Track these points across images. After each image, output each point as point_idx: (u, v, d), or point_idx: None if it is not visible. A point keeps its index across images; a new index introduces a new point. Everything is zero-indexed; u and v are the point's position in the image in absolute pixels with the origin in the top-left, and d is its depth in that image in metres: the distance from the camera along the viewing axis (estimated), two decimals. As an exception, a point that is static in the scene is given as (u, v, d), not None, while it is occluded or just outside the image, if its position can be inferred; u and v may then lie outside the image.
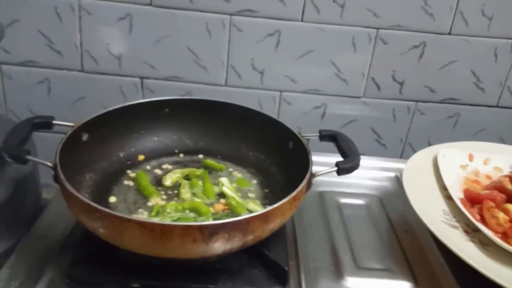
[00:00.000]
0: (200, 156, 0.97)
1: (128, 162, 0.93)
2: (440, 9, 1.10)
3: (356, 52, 1.14)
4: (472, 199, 0.90)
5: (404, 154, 1.26)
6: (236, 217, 0.67)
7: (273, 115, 0.95)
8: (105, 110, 0.89)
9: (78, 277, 0.72)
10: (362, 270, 0.81)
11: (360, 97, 1.19)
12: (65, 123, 0.83)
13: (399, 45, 1.14)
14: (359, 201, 1.00)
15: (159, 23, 1.10)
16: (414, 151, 1.03)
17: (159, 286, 0.73)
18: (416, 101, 1.20)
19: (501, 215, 0.83)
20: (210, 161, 0.95)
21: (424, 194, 0.91)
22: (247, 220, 0.68)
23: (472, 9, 1.10)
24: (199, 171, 0.91)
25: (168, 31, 1.11)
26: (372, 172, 1.08)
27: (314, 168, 0.80)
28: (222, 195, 0.86)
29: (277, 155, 0.94)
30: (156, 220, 0.76)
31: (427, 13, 1.10)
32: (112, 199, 0.84)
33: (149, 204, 0.83)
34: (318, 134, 0.90)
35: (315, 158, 0.82)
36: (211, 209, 0.81)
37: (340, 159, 0.83)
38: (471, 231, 0.84)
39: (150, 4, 1.08)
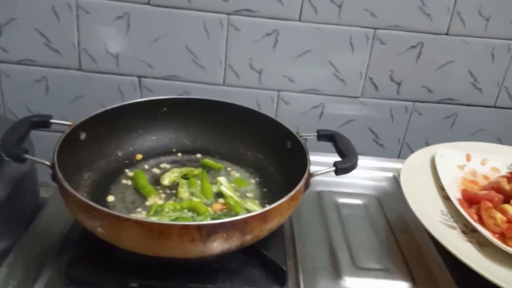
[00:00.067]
0: (198, 155, 0.97)
1: (126, 161, 0.93)
2: (438, 10, 1.10)
3: (354, 52, 1.14)
4: (470, 200, 0.90)
5: (401, 154, 1.26)
6: (234, 217, 0.67)
7: (271, 114, 0.95)
8: (103, 109, 0.89)
9: (77, 277, 0.72)
10: (360, 270, 0.81)
11: (358, 97, 1.20)
12: (63, 122, 0.83)
13: (396, 45, 1.14)
14: (357, 201, 1.00)
15: (157, 22, 1.10)
16: (412, 151, 1.04)
17: (157, 285, 0.73)
18: (414, 101, 1.21)
19: (499, 216, 0.83)
20: (208, 161, 0.95)
21: (422, 194, 0.91)
22: (245, 220, 0.68)
23: (469, 9, 1.10)
24: (197, 171, 0.91)
25: (166, 30, 1.11)
26: (370, 172, 1.08)
27: (312, 168, 0.80)
28: (220, 194, 0.86)
29: (275, 155, 0.94)
30: (154, 219, 0.76)
31: (425, 14, 1.10)
32: (110, 198, 0.84)
33: (147, 203, 0.83)
34: (316, 134, 0.90)
35: (313, 158, 0.82)
36: (209, 209, 0.81)
37: (338, 159, 0.83)
38: (469, 232, 0.84)
39: (148, 3, 1.08)
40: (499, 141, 1.24)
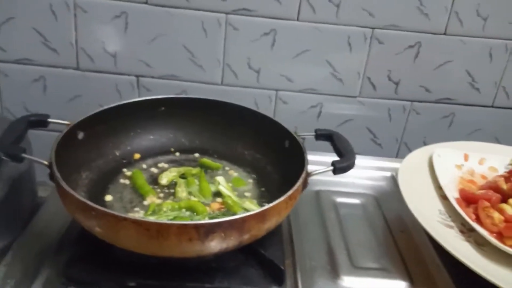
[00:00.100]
0: (196, 155, 0.97)
1: (124, 161, 0.93)
2: (435, 9, 1.10)
3: (352, 52, 1.14)
4: (468, 199, 0.90)
5: (399, 153, 1.26)
6: (232, 216, 0.67)
7: (269, 114, 0.95)
8: (101, 109, 0.89)
9: (75, 276, 0.72)
10: (358, 269, 0.81)
11: (356, 96, 1.20)
12: (61, 121, 0.83)
13: (394, 45, 1.14)
14: (355, 201, 1.00)
15: (154, 21, 1.10)
16: (410, 151, 1.04)
17: (155, 285, 0.73)
18: (412, 101, 1.21)
19: (496, 215, 0.84)
20: (206, 160, 0.95)
21: (420, 193, 0.91)
22: (243, 219, 0.68)
23: (467, 9, 1.10)
24: (195, 170, 0.91)
25: (164, 29, 1.11)
26: (368, 172, 1.08)
27: (310, 167, 0.80)
28: (218, 194, 0.86)
29: (273, 154, 0.94)
30: (152, 219, 0.76)
31: (422, 13, 1.10)
32: (108, 197, 0.84)
33: (145, 203, 0.83)
34: (314, 133, 0.90)
35: (311, 157, 0.82)
36: (207, 208, 0.81)
37: (336, 158, 0.83)
38: (467, 231, 0.84)
39: (145, 3, 1.08)
40: (497, 140, 1.24)
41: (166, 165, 0.94)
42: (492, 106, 1.22)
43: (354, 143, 0.87)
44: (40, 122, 0.83)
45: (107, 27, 1.10)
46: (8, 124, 0.80)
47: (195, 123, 0.99)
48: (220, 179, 0.89)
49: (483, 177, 0.99)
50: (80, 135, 0.86)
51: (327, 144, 0.89)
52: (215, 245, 0.67)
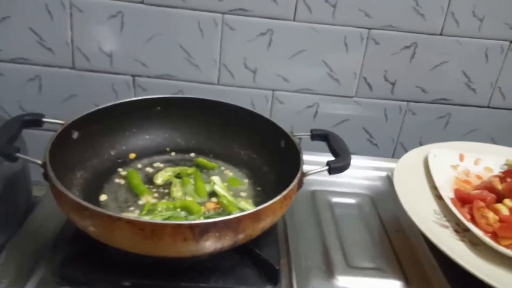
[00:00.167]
0: (192, 154, 0.97)
1: (119, 160, 0.93)
2: (432, 10, 1.10)
3: (348, 52, 1.14)
4: (463, 199, 0.90)
5: (395, 153, 1.26)
6: (227, 216, 0.67)
7: (266, 114, 0.95)
8: (96, 108, 0.89)
9: (69, 276, 0.72)
10: (353, 269, 0.81)
11: (352, 96, 1.20)
12: (55, 120, 0.83)
13: (390, 45, 1.14)
14: (351, 200, 1.00)
15: (151, 21, 1.10)
16: (406, 151, 1.04)
17: (150, 284, 0.72)
18: (408, 101, 1.21)
19: (491, 215, 0.84)
20: (201, 160, 0.95)
21: (415, 193, 0.91)
22: (238, 219, 0.68)
23: (463, 10, 1.11)
24: (190, 170, 0.91)
25: (160, 29, 1.11)
26: (363, 172, 1.09)
27: (306, 167, 0.80)
28: (213, 193, 0.86)
29: (269, 154, 0.94)
30: (146, 218, 0.75)
31: (419, 14, 1.10)
32: (103, 197, 0.84)
33: (140, 202, 0.83)
34: (309, 133, 0.90)
35: (306, 157, 0.82)
36: (203, 208, 0.81)
37: (332, 158, 0.83)
38: (461, 231, 0.84)
39: (142, 2, 1.08)
40: (493, 141, 1.25)
41: (161, 165, 0.94)
42: (488, 107, 1.22)
43: (350, 143, 0.87)
44: (34, 121, 0.83)
45: (103, 26, 1.10)
46: (2, 123, 0.80)
47: (191, 123, 0.98)
48: (215, 178, 0.88)
49: (478, 177, 0.99)
50: (75, 135, 0.85)
51: (323, 144, 0.89)
52: (210, 245, 0.67)
